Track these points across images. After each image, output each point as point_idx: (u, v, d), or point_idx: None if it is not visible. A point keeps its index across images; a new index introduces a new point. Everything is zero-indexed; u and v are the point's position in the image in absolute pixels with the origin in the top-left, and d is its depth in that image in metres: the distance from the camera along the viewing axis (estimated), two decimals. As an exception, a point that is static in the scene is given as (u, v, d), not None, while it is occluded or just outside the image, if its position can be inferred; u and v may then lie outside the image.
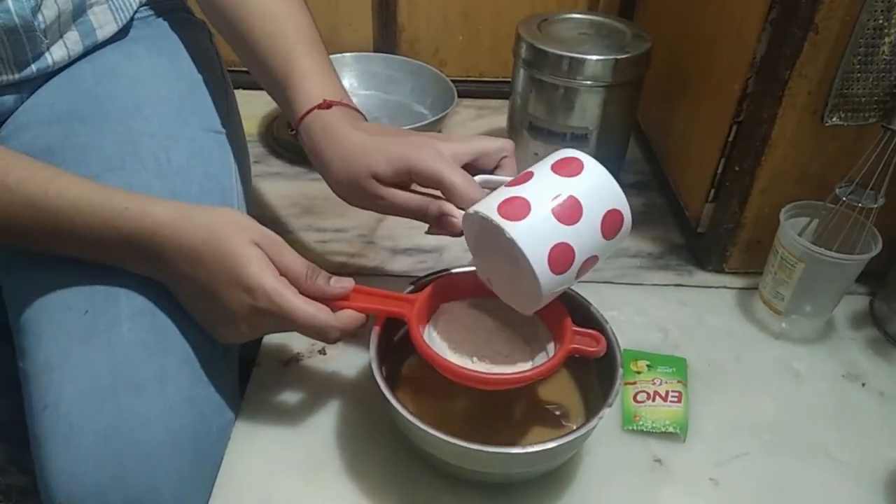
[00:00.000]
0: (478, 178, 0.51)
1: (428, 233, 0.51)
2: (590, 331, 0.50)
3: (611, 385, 0.49)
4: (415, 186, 0.51)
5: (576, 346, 0.49)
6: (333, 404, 0.56)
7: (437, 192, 0.51)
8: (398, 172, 0.50)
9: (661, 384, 0.59)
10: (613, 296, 0.67)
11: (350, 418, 0.55)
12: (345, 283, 0.49)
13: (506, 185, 0.47)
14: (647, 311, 0.68)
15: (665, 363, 0.61)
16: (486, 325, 0.53)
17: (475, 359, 0.50)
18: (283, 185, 0.81)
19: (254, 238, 0.46)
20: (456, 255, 0.72)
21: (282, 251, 0.47)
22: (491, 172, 0.52)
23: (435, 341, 0.51)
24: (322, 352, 0.61)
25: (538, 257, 0.44)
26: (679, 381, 0.59)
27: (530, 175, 0.46)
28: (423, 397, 0.53)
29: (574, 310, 0.52)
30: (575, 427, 0.48)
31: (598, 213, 0.45)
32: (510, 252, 0.44)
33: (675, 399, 0.57)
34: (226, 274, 0.45)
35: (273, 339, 0.61)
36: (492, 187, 0.49)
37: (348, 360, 0.60)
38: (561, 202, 0.44)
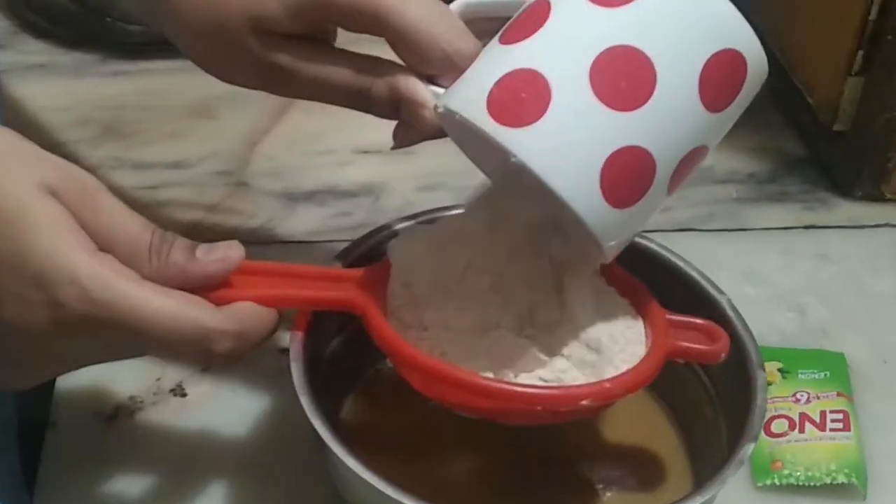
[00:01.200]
0: (455, 5, 0.50)
1: (395, 146, 0.52)
2: (697, 320, 0.50)
3: (744, 412, 0.49)
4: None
5: (680, 342, 0.48)
6: (208, 488, 0.56)
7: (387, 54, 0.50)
8: (302, 11, 0.49)
9: (809, 401, 0.59)
10: (699, 251, 0.60)
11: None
12: (226, 252, 0.48)
13: (500, 39, 0.46)
14: (762, 274, 0.67)
15: (810, 363, 0.61)
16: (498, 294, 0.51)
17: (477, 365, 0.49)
18: (56, 88, 0.80)
19: (46, 180, 0.45)
20: (407, 198, 0.72)
21: (99, 202, 0.46)
22: None
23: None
24: (178, 392, 0.60)
25: (579, 189, 0.44)
26: (840, 394, 0.59)
27: (546, 7, 0.46)
28: (388, 455, 0.51)
29: (651, 272, 0.52)
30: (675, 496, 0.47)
31: (693, 67, 0.44)
32: (528, 177, 0.44)
33: (839, 425, 0.58)
34: None
35: (81, 375, 0.54)
36: (491, 16, 0.49)
37: (231, 403, 0.59)
38: (612, 67, 0.43)
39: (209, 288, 0.47)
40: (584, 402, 0.47)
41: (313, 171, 0.73)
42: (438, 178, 0.72)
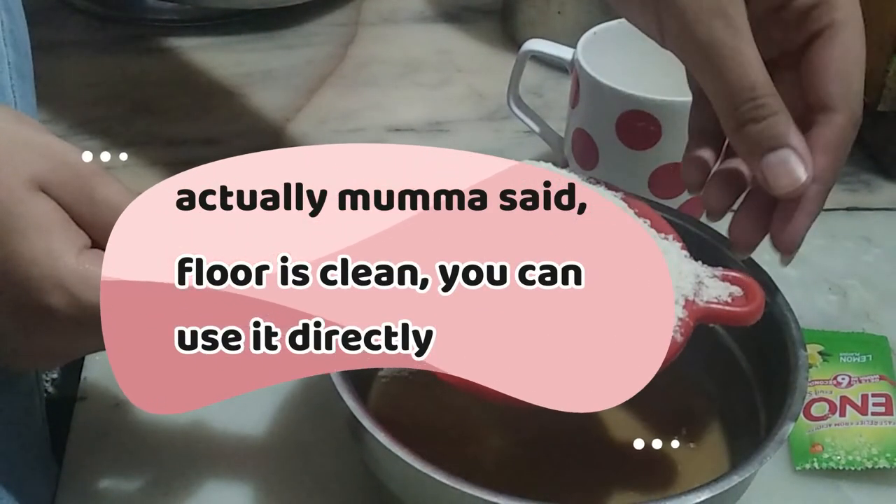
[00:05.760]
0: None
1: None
2: (734, 272, 0.49)
3: (784, 392, 0.48)
4: None
5: (710, 303, 0.47)
6: (238, 462, 0.56)
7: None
8: None
9: (850, 384, 0.59)
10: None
11: (275, 482, 0.55)
12: None
13: None
14: (804, 256, 0.64)
15: (852, 346, 0.61)
16: None
17: None
18: (90, 64, 0.81)
19: (37, 174, 0.45)
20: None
21: (94, 190, 0.46)
22: None
23: None
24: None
25: None
26: (882, 377, 0.59)
27: None
28: (417, 437, 0.50)
29: (691, 252, 0.51)
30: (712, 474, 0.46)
31: None
32: None
33: (881, 409, 0.57)
34: None
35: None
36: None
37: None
38: None
39: None
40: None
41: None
42: (473, 156, 0.72)
